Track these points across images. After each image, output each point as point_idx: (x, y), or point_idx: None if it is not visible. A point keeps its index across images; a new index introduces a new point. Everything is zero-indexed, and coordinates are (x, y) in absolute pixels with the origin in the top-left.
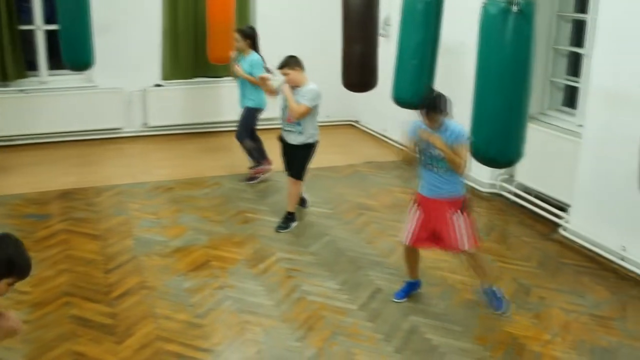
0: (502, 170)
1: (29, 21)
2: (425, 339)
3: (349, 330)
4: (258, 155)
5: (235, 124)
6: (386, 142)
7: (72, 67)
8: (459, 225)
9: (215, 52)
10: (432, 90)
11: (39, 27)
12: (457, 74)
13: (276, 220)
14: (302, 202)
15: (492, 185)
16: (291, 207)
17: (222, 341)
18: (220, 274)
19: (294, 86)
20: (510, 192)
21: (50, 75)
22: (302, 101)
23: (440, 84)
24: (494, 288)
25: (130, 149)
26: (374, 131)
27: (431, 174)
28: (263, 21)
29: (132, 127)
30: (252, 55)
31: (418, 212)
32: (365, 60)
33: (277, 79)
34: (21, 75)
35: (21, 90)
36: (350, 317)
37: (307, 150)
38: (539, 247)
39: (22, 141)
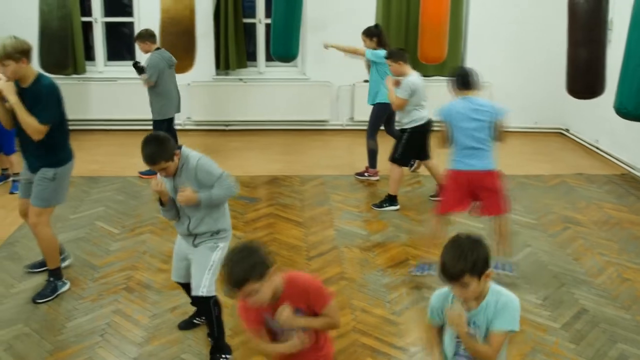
0: None
1: (252, 15)
2: None
3: (549, 349)
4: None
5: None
6: (598, 153)
7: (277, 58)
8: None
9: (425, 51)
10: None
11: (260, 21)
12: None
13: (482, 226)
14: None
15: None
16: (390, 190)
17: (416, 342)
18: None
19: (399, 76)
20: None
21: (267, 66)
22: (397, 93)
23: None
24: None
25: (335, 142)
26: (584, 141)
27: None
28: (477, 21)
29: (338, 120)
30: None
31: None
32: (592, 65)
33: None
34: (242, 65)
35: (240, 79)
36: (552, 336)
37: (402, 134)
38: None
39: (235, 127)
